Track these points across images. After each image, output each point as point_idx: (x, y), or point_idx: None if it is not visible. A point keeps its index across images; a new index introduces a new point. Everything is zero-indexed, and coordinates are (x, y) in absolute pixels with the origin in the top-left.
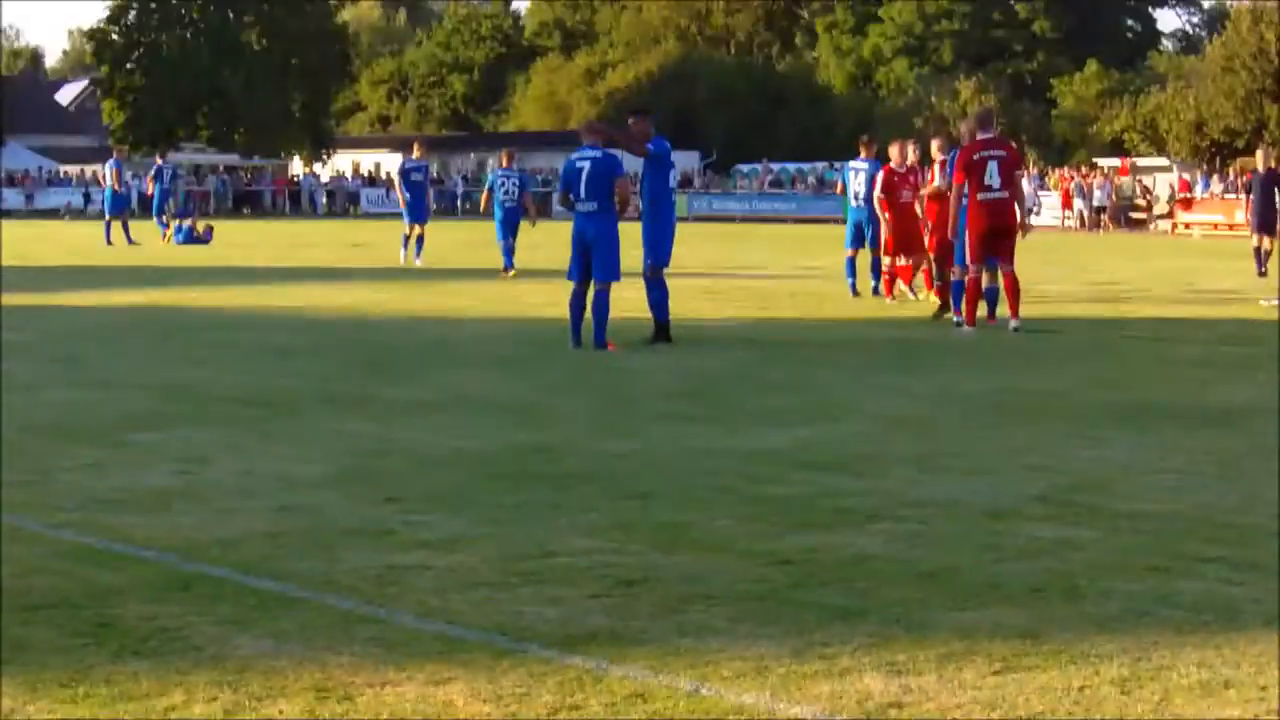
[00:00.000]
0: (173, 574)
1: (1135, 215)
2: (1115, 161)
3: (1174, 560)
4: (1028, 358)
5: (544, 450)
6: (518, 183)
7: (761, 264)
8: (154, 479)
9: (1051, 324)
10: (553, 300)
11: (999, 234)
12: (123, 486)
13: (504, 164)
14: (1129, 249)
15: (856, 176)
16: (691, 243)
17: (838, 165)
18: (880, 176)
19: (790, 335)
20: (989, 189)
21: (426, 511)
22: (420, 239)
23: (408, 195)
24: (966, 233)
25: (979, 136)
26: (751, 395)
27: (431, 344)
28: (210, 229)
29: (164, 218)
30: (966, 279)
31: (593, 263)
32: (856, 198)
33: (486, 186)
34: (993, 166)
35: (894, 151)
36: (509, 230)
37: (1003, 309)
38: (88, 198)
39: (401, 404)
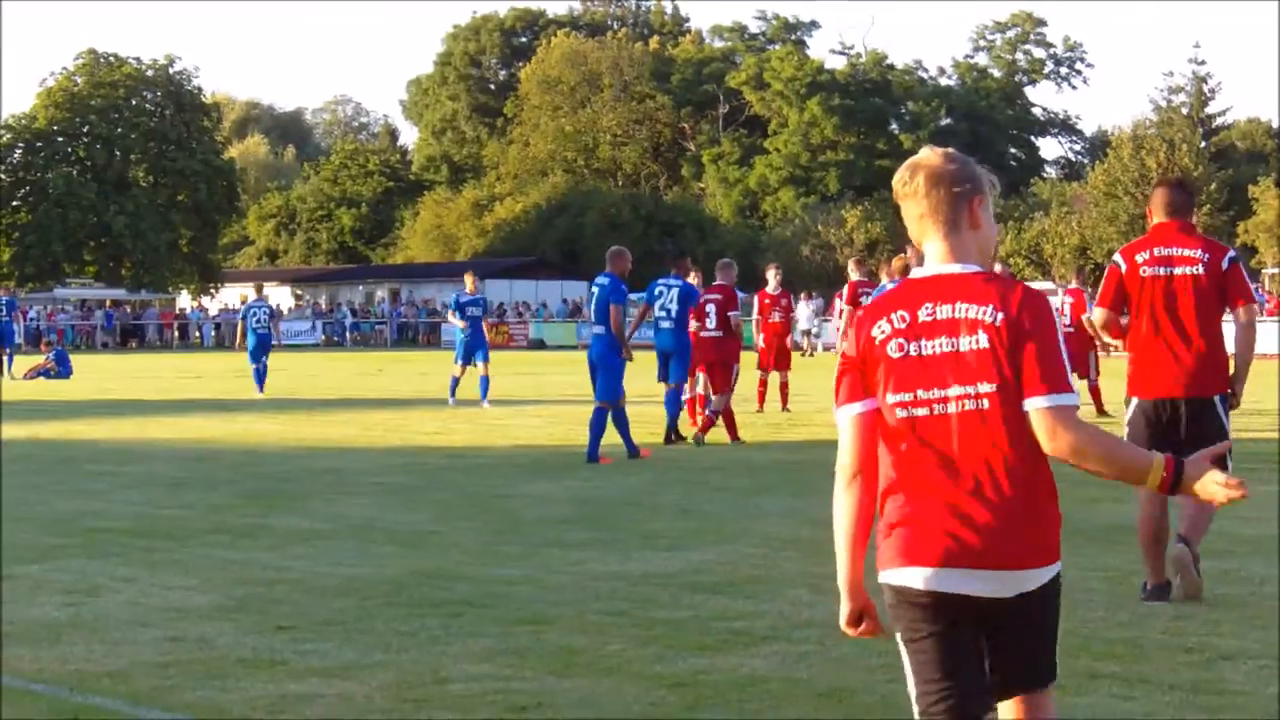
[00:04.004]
0: (63, 706)
1: None
2: None
3: (1066, 676)
4: None
5: (436, 577)
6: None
7: (652, 390)
8: (43, 611)
9: None
10: (443, 429)
11: None
12: (11, 619)
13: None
14: None
15: (668, 292)
16: (583, 370)
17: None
18: (756, 300)
19: (680, 459)
20: None
21: (319, 639)
22: (485, 379)
23: (468, 331)
24: None
25: None
26: (643, 520)
27: (322, 473)
28: (60, 360)
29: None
30: None
31: (594, 383)
32: (669, 315)
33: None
34: None
35: (771, 276)
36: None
37: None
38: None
39: (292, 533)
